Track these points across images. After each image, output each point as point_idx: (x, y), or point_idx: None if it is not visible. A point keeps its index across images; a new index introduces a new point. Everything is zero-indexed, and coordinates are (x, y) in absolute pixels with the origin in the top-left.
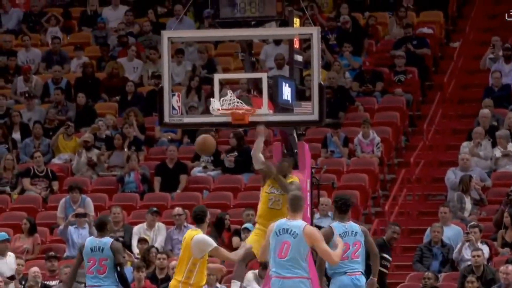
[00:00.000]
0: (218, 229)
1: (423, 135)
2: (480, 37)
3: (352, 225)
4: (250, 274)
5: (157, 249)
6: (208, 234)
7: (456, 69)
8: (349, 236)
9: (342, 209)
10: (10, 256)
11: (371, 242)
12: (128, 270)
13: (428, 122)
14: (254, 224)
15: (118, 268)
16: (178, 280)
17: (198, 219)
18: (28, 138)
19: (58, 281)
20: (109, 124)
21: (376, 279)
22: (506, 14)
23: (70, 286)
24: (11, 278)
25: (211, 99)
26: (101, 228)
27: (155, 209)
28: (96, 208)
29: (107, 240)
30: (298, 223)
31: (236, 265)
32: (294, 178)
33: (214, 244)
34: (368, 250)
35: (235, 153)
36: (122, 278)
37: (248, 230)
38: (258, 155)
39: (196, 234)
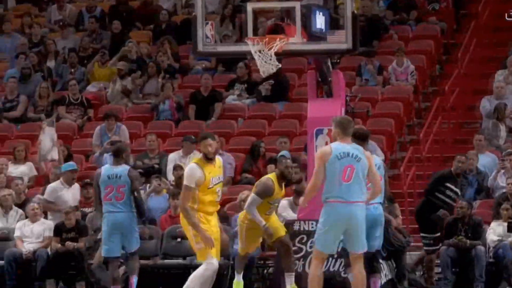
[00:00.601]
0: (253, 157)
1: (458, 63)
2: None
3: (376, 159)
4: (284, 202)
5: None
6: (243, 161)
7: None
8: None
9: (364, 135)
10: (76, 186)
11: (385, 181)
12: (164, 197)
13: (462, 51)
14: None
15: (135, 193)
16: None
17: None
18: (63, 66)
19: (93, 207)
20: (143, 52)
21: None
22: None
23: (102, 210)
24: (75, 208)
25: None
26: (117, 155)
27: (193, 137)
28: (131, 135)
29: (124, 167)
30: (356, 146)
31: (237, 261)
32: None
33: (190, 184)
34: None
35: (271, 81)
36: (138, 204)
37: (284, 158)
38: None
39: (190, 163)
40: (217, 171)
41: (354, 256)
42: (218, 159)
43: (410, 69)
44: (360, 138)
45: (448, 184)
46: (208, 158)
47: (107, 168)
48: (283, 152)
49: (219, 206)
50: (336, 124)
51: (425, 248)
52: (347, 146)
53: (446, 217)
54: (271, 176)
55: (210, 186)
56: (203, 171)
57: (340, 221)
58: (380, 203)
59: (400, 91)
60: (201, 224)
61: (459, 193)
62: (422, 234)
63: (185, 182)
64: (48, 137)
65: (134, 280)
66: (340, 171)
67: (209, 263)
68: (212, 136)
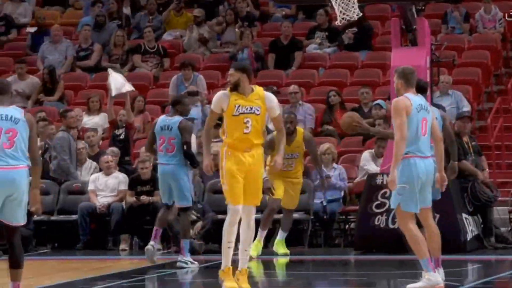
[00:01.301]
0: (329, 107)
1: None
2: None
3: (435, 111)
4: (366, 154)
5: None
6: (324, 112)
7: None
8: None
9: (425, 87)
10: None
11: None
12: None
13: None
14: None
15: (184, 147)
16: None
17: None
18: (141, 14)
19: None
20: None
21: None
22: (506, 14)
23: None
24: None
25: None
26: (173, 105)
27: (274, 87)
28: (209, 85)
29: (177, 119)
30: (423, 99)
31: (265, 216)
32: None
33: (213, 108)
34: None
35: (355, 29)
36: (188, 156)
37: (380, 107)
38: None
39: None
40: (250, 100)
41: (426, 210)
42: (262, 92)
43: (498, 16)
44: (421, 91)
45: None
46: (231, 89)
47: (163, 119)
48: (379, 101)
49: (255, 142)
50: (400, 75)
51: None
52: (419, 98)
53: None
54: None
55: (235, 114)
56: (229, 98)
57: (420, 176)
58: None
59: (487, 39)
60: (227, 163)
61: None
62: None
63: (211, 106)
64: (118, 75)
65: (184, 244)
66: (419, 124)
67: (230, 209)
68: (238, 67)
